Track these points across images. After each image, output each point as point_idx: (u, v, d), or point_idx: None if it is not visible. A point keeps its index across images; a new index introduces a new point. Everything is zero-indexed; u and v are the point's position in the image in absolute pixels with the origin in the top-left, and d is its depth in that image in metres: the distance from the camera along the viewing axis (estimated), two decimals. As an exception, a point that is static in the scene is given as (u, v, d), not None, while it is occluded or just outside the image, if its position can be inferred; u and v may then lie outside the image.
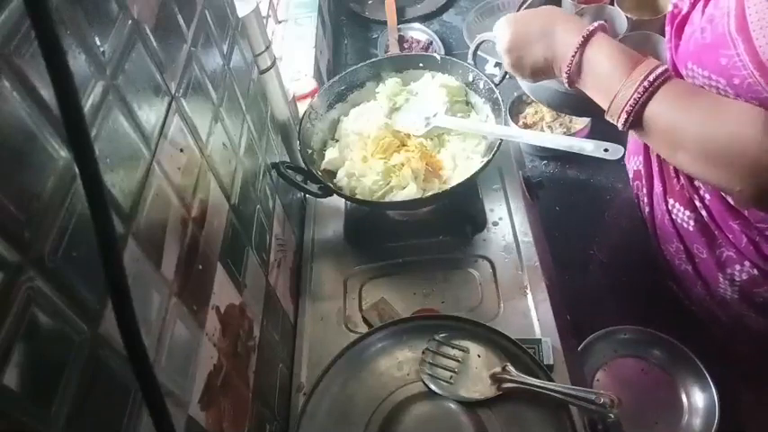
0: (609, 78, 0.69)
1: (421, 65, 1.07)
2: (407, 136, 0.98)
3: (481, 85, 1.01)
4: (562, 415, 0.68)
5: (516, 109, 1.36)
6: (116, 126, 0.45)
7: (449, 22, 1.67)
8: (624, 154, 0.83)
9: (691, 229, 0.87)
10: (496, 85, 0.97)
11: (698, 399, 0.98)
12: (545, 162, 1.33)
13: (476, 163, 0.93)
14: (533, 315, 0.85)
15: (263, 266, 0.79)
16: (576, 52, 0.72)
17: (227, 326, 0.63)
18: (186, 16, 0.63)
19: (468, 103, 1.04)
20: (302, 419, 0.71)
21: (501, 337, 0.75)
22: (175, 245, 0.53)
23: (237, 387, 0.64)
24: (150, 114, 0.51)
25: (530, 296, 0.87)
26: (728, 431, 0.94)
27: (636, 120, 0.67)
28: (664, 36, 0.87)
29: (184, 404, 0.51)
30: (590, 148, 0.81)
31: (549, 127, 1.31)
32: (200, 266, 0.58)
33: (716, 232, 0.83)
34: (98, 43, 0.44)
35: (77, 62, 0.41)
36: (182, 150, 0.57)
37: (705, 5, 0.71)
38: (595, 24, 0.72)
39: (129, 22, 0.50)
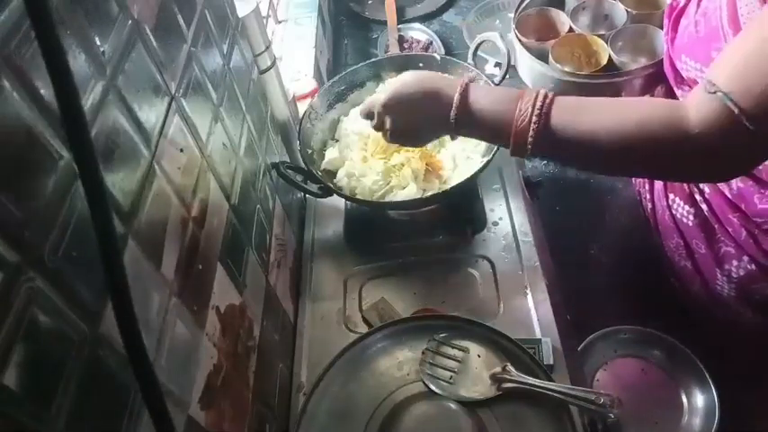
0: (496, 114, 0.67)
1: (421, 65, 1.07)
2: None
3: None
4: (562, 415, 0.68)
5: (516, 109, 1.36)
6: (116, 126, 0.45)
7: (449, 22, 1.67)
8: None
9: (690, 224, 0.87)
10: (496, 85, 0.97)
11: (698, 399, 0.98)
12: (545, 162, 1.33)
13: (476, 163, 0.93)
14: (533, 315, 0.85)
15: (263, 266, 0.79)
16: (460, 90, 0.68)
17: (227, 326, 0.63)
18: (186, 16, 0.63)
19: (468, 103, 1.04)
20: (302, 419, 0.71)
21: (501, 337, 0.75)
22: (175, 245, 0.53)
23: (237, 387, 0.64)
24: (150, 114, 0.51)
25: (530, 296, 0.87)
26: (728, 431, 0.94)
27: (542, 142, 0.64)
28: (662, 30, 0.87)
29: (184, 404, 0.51)
30: None
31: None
32: (200, 266, 0.58)
33: (715, 226, 0.83)
34: (98, 43, 0.44)
35: (77, 62, 0.41)
36: (182, 150, 0.57)
37: (699, 0, 0.71)
38: (465, 79, 0.69)
39: (129, 22, 0.50)
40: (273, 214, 0.88)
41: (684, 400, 0.99)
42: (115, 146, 0.45)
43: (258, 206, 0.81)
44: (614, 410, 0.65)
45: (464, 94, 0.67)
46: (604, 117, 0.62)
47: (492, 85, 0.97)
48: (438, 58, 1.05)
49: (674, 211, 0.90)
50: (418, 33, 1.61)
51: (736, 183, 0.77)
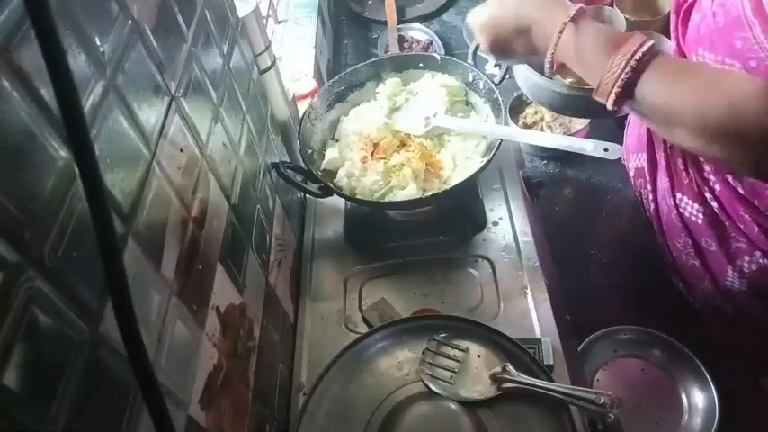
0: (595, 55, 0.67)
1: (421, 65, 1.07)
2: (408, 136, 0.98)
3: (481, 85, 1.00)
4: (562, 415, 0.68)
5: (516, 109, 1.36)
6: (116, 126, 0.45)
7: (449, 22, 1.67)
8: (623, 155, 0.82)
9: (699, 222, 0.86)
10: (496, 85, 0.97)
11: (698, 399, 0.98)
12: (545, 162, 1.33)
13: (476, 163, 0.93)
14: (533, 315, 0.85)
15: (263, 266, 0.79)
16: (562, 29, 0.68)
17: (227, 326, 0.63)
18: (186, 16, 0.63)
19: (468, 103, 1.04)
20: (302, 419, 0.71)
21: (501, 337, 0.75)
22: (175, 245, 0.53)
23: (237, 387, 0.64)
24: (150, 114, 0.51)
25: (530, 296, 0.87)
26: (728, 431, 0.94)
27: (626, 98, 0.65)
28: (665, 36, 0.87)
29: (184, 404, 0.51)
30: (590, 147, 0.81)
31: (549, 127, 1.31)
32: (200, 266, 0.58)
33: (726, 223, 0.83)
34: (98, 43, 0.44)
35: (77, 62, 0.41)
36: (182, 150, 0.57)
37: None
38: (577, 6, 0.69)
39: (129, 22, 0.50)
40: (273, 214, 0.88)
41: (684, 400, 0.99)
42: (115, 146, 0.45)
43: (258, 206, 0.81)
44: (614, 410, 0.65)
45: (576, 15, 0.67)
46: (693, 96, 0.61)
47: (492, 85, 0.98)
48: (438, 58, 1.05)
49: (681, 210, 0.90)
50: (418, 33, 1.61)
51: (749, 178, 0.76)
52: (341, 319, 0.90)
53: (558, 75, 1.00)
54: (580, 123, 1.30)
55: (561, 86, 0.95)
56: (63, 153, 0.38)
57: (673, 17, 0.81)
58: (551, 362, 0.78)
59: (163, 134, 0.53)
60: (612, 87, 0.64)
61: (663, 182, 0.92)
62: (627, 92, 0.64)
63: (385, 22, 1.61)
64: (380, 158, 0.95)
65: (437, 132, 0.98)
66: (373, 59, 1.09)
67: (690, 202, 0.87)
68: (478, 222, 0.98)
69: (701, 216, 0.86)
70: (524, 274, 0.90)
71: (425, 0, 1.72)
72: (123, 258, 0.42)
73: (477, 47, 1.01)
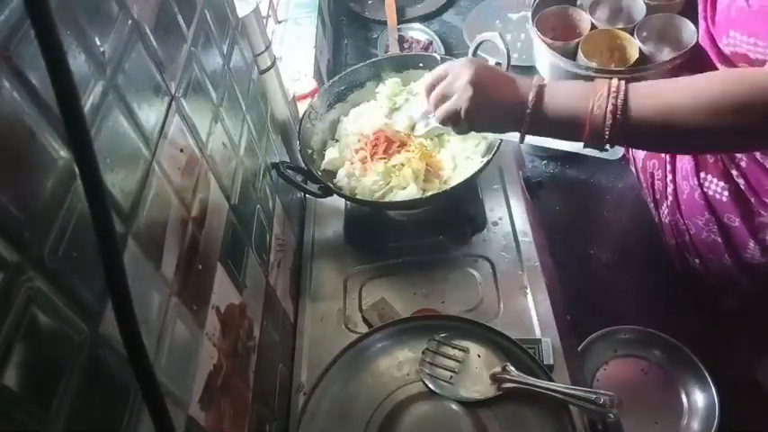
0: (571, 109, 0.68)
1: (421, 65, 1.07)
2: (408, 136, 0.98)
3: (481, 85, 1.00)
4: (562, 415, 0.68)
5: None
6: (116, 126, 0.45)
7: (449, 22, 1.67)
8: (623, 155, 0.82)
9: (724, 199, 0.88)
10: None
11: (698, 399, 0.98)
12: (545, 162, 1.33)
13: (476, 163, 0.93)
14: (533, 315, 0.85)
15: (263, 266, 0.79)
16: (533, 98, 0.69)
17: (227, 326, 0.63)
18: (186, 16, 0.63)
19: (468, 103, 1.03)
20: (302, 419, 0.71)
21: (501, 337, 0.75)
22: (175, 245, 0.53)
23: (237, 387, 0.64)
24: (150, 114, 0.51)
25: (530, 296, 0.87)
26: (728, 431, 0.94)
27: (624, 129, 0.65)
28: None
29: (184, 404, 0.51)
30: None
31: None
32: (200, 266, 0.58)
33: (752, 199, 0.85)
34: (98, 43, 0.44)
35: (77, 62, 0.41)
36: (182, 150, 0.57)
37: None
38: (539, 80, 0.70)
39: (129, 21, 0.50)
40: (273, 214, 0.88)
41: (684, 400, 0.99)
42: (115, 146, 0.45)
43: (258, 206, 0.81)
44: (614, 410, 0.65)
45: (539, 91, 0.68)
46: (684, 93, 0.63)
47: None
48: (438, 58, 1.05)
49: (705, 189, 0.91)
50: (418, 33, 1.61)
51: None
52: (341, 319, 0.90)
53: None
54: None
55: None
56: (63, 153, 0.38)
57: (700, 2, 0.82)
58: (551, 362, 0.78)
59: (163, 134, 0.53)
60: (604, 125, 0.65)
61: (685, 163, 0.93)
62: (618, 123, 0.64)
63: (385, 22, 1.61)
64: (381, 159, 0.95)
65: (437, 132, 0.98)
66: (373, 59, 1.09)
67: (715, 180, 0.89)
68: (478, 222, 0.98)
69: (725, 194, 0.88)
70: (524, 274, 0.90)
71: (425, 0, 1.72)
72: (123, 258, 0.42)
73: (477, 47, 1.01)
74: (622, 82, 0.65)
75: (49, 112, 0.36)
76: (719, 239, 0.92)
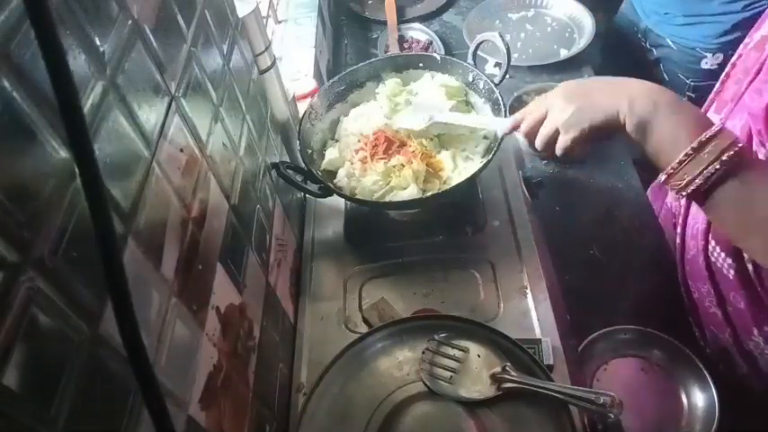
0: (672, 144, 0.61)
1: (421, 65, 1.07)
2: (408, 137, 0.98)
3: (481, 85, 1.00)
4: (562, 415, 0.68)
5: (516, 108, 1.36)
6: (116, 126, 0.45)
7: (449, 22, 1.67)
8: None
9: (730, 276, 0.81)
10: (496, 85, 0.97)
11: (698, 399, 0.98)
12: (545, 162, 1.33)
13: (476, 163, 0.93)
14: (533, 315, 0.85)
15: (263, 266, 0.79)
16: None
17: (227, 326, 0.63)
18: (186, 16, 0.63)
19: (468, 102, 1.04)
20: (302, 419, 0.71)
21: (501, 337, 0.75)
22: (175, 245, 0.53)
23: (237, 387, 0.64)
24: (150, 114, 0.51)
25: (530, 296, 0.87)
26: (728, 431, 0.94)
27: (705, 194, 0.59)
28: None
29: (184, 404, 0.51)
30: None
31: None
32: (200, 266, 0.58)
33: (759, 290, 0.78)
34: (98, 43, 0.44)
35: (77, 62, 0.41)
36: (182, 150, 0.57)
37: None
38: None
39: (129, 21, 0.50)
40: (273, 214, 0.88)
41: (684, 400, 0.99)
42: (115, 146, 0.45)
43: (258, 206, 0.81)
44: (614, 410, 0.65)
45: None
46: None
47: (492, 85, 0.98)
48: (438, 58, 1.05)
49: (711, 258, 0.84)
50: (418, 33, 1.61)
51: None
52: (341, 319, 0.90)
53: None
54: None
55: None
56: (63, 153, 0.38)
57: (751, 120, 0.71)
58: (551, 362, 0.78)
59: (163, 134, 0.53)
60: (694, 179, 0.59)
61: (697, 221, 0.86)
62: (709, 188, 0.58)
63: (385, 22, 1.61)
64: (381, 159, 0.95)
65: (437, 131, 0.98)
66: (373, 59, 1.09)
67: (723, 254, 0.81)
68: (478, 222, 0.98)
69: (732, 271, 0.80)
70: (524, 274, 0.90)
71: (425, 0, 1.72)
72: (123, 258, 0.42)
73: (477, 47, 1.01)
74: (736, 144, 0.58)
75: (49, 112, 0.36)
76: (719, 314, 0.86)
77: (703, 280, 0.88)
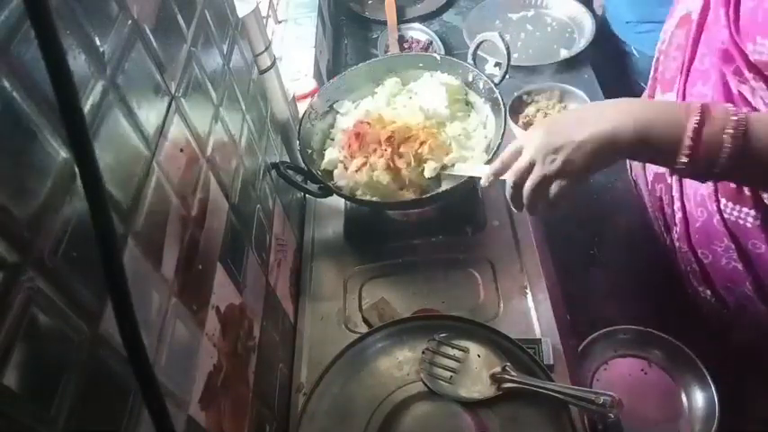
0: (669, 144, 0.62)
1: (421, 65, 1.07)
2: (408, 129, 0.96)
3: (481, 85, 1.00)
4: (562, 415, 0.68)
5: (516, 109, 1.36)
6: (116, 126, 0.45)
7: (449, 22, 1.67)
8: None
9: (749, 225, 0.84)
10: (496, 85, 0.97)
11: (698, 399, 0.98)
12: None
13: (477, 161, 0.93)
14: (533, 315, 0.85)
15: (263, 266, 0.79)
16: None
17: (227, 326, 0.63)
18: (186, 16, 0.63)
19: (467, 102, 1.04)
20: (302, 419, 0.71)
21: (501, 337, 0.75)
22: (175, 245, 0.53)
23: (237, 387, 0.64)
24: (150, 114, 0.51)
25: (530, 296, 0.87)
26: (728, 431, 0.94)
27: (735, 164, 0.61)
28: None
29: (184, 404, 0.51)
30: None
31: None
32: (200, 266, 0.58)
33: None
34: (98, 43, 0.44)
35: (77, 62, 0.41)
36: (182, 150, 0.57)
37: None
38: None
39: (129, 21, 0.50)
40: (273, 214, 0.88)
41: (684, 400, 0.99)
42: (115, 146, 0.45)
43: (258, 206, 0.81)
44: (614, 410, 0.65)
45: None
46: None
47: (492, 84, 0.97)
48: (438, 57, 1.05)
49: (726, 216, 0.85)
50: (418, 33, 1.61)
51: None
52: (341, 319, 0.90)
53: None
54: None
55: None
56: (63, 153, 0.38)
57: (721, 8, 0.75)
58: (551, 362, 0.78)
59: (163, 134, 0.53)
60: (718, 154, 0.60)
61: (700, 188, 0.88)
62: (728, 165, 0.60)
63: (385, 22, 1.61)
64: (362, 155, 0.93)
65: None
66: (373, 59, 1.09)
67: (738, 206, 0.84)
68: (478, 222, 0.98)
69: (749, 219, 0.83)
70: (524, 274, 0.90)
71: (425, 0, 1.72)
72: (123, 258, 0.42)
73: (477, 47, 1.01)
74: (735, 111, 0.61)
75: (49, 113, 0.36)
76: (740, 266, 0.87)
77: (720, 238, 0.88)
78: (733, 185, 0.83)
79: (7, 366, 0.31)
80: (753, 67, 0.72)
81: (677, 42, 0.89)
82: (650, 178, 1.04)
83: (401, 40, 1.59)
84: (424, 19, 1.66)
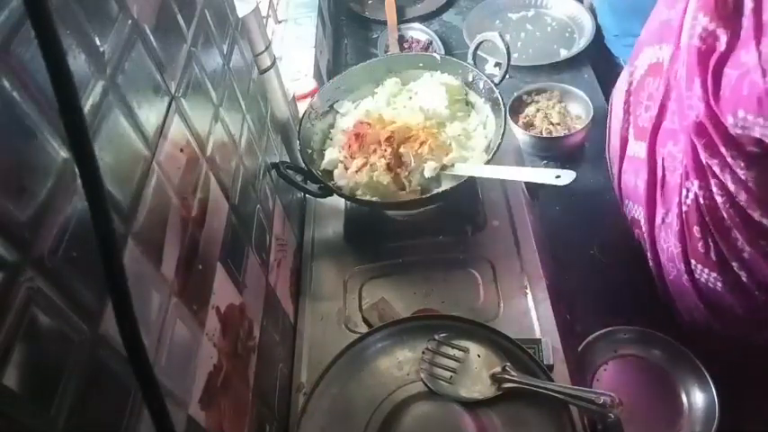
0: None
1: (421, 65, 1.07)
2: (408, 129, 0.96)
3: (481, 85, 1.00)
4: (562, 415, 0.68)
5: (516, 109, 1.36)
6: (116, 126, 0.45)
7: (449, 22, 1.67)
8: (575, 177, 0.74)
9: (719, 289, 0.81)
10: (496, 85, 0.97)
11: (698, 398, 0.98)
12: (545, 162, 1.33)
13: (477, 160, 0.93)
14: (533, 315, 0.85)
15: (263, 266, 0.79)
16: None
17: (228, 326, 0.63)
18: (186, 16, 0.63)
19: (467, 102, 1.04)
20: (302, 419, 0.71)
21: (501, 337, 0.75)
22: (175, 245, 0.53)
23: (237, 387, 0.64)
24: (150, 114, 0.51)
25: (530, 296, 0.87)
26: (728, 431, 0.94)
27: None
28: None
29: (184, 404, 0.51)
30: (542, 176, 0.78)
31: (552, 125, 1.32)
32: (200, 266, 0.58)
33: (756, 293, 0.78)
34: (98, 43, 0.44)
35: (77, 62, 0.41)
36: (182, 150, 0.57)
37: (758, 43, 0.63)
38: None
39: (129, 21, 0.50)
40: (273, 214, 0.88)
41: (684, 400, 0.99)
42: (115, 146, 0.45)
43: (258, 206, 0.81)
44: (614, 410, 0.65)
45: None
46: None
47: (492, 84, 0.97)
48: (438, 57, 1.05)
49: (696, 276, 0.84)
50: (418, 33, 1.61)
51: None
52: (341, 319, 0.90)
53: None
54: (580, 124, 1.30)
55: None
56: (63, 153, 0.38)
57: (696, 68, 0.71)
58: (551, 362, 0.78)
59: (163, 134, 0.53)
60: None
61: (671, 245, 0.87)
62: None
63: (385, 22, 1.61)
64: (362, 155, 0.93)
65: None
66: (373, 59, 1.09)
67: (707, 270, 0.82)
68: (478, 222, 0.98)
69: (719, 284, 0.81)
70: (524, 274, 0.90)
71: (425, 0, 1.72)
72: (123, 258, 0.42)
73: (477, 47, 1.01)
74: None
75: (48, 112, 0.36)
76: (717, 326, 0.85)
77: (690, 297, 0.88)
78: (702, 250, 0.81)
79: (7, 366, 0.31)
80: (731, 141, 0.69)
81: (649, 91, 0.87)
82: (628, 217, 1.04)
83: (401, 39, 1.59)
84: (424, 19, 1.66)
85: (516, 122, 1.32)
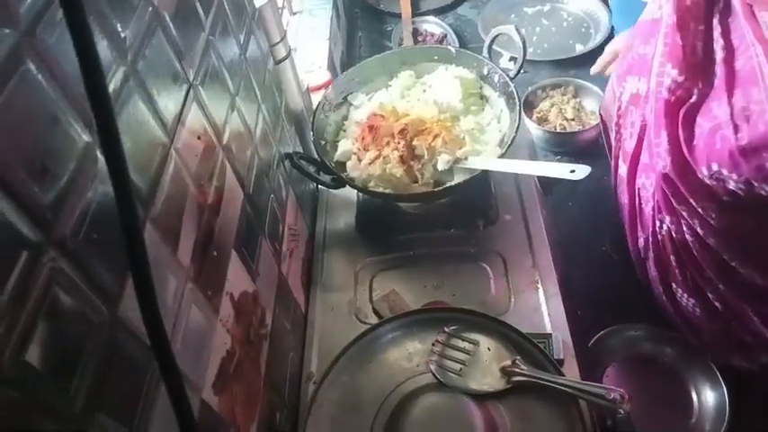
0: None
1: (435, 57, 1.06)
2: (422, 122, 0.96)
3: (496, 79, 1.00)
4: (571, 409, 0.68)
5: (531, 103, 1.36)
6: (136, 112, 0.46)
7: (464, 16, 1.66)
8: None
9: (698, 314, 0.81)
10: (511, 79, 0.97)
11: (708, 397, 0.97)
12: (558, 158, 1.32)
13: (490, 154, 0.93)
14: (544, 310, 0.85)
15: (275, 255, 0.79)
16: None
17: (241, 313, 0.63)
18: (204, 5, 0.64)
19: (482, 96, 1.03)
20: (312, 408, 0.72)
21: (511, 330, 0.75)
22: (192, 231, 0.54)
23: (249, 374, 0.65)
24: (169, 101, 0.52)
25: (541, 291, 0.87)
26: (738, 431, 0.94)
27: None
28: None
29: (198, 388, 0.52)
30: (556, 171, 0.77)
31: (566, 120, 1.31)
32: (215, 253, 0.59)
33: (733, 323, 0.78)
34: (119, 29, 0.45)
35: (100, 48, 0.41)
36: (199, 138, 0.58)
37: (730, 96, 0.62)
38: None
39: (150, 9, 0.50)
40: (287, 204, 0.89)
41: (695, 398, 0.98)
42: (134, 131, 0.45)
43: (272, 195, 0.81)
44: (624, 406, 0.64)
45: None
46: None
47: (507, 78, 0.97)
48: (452, 50, 1.05)
49: (678, 299, 0.84)
50: (432, 26, 1.61)
51: (762, 279, 0.70)
52: (351, 309, 0.91)
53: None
54: (595, 120, 1.29)
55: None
56: (85, 137, 0.38)
57: (663, 120, 0.69)
58: (561, 356, 0.78)
59: (181, 121, 0.54)
60: None
61: (651, 269, 0.87)
62: None
63: (399, 15, 1.60)
64: (375, 148, 0.93)
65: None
66: (387, 52, 1.09)
67: (685, 295, 0.81)
68: (490, 216, 0.98)
69: (697, 310, 0.81)
70: (536, 268, 0.90)
71: (440, -7, 1.71)
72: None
73: (492, 40, 1.01)
74: None
75: (72, 96, 0.37)
76: (695, 341, 0.86)
77: (673, 318, 0.89)
78: (680, 277, 0.81)
79: (30, 343, 0.31)
80: (702, 189, 0.67)
81: (631, 119, 0.87)
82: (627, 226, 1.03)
83: (415, 32, 1.59)
84: (439, 12, 1.65)
85: (530, 117, 1.32)
